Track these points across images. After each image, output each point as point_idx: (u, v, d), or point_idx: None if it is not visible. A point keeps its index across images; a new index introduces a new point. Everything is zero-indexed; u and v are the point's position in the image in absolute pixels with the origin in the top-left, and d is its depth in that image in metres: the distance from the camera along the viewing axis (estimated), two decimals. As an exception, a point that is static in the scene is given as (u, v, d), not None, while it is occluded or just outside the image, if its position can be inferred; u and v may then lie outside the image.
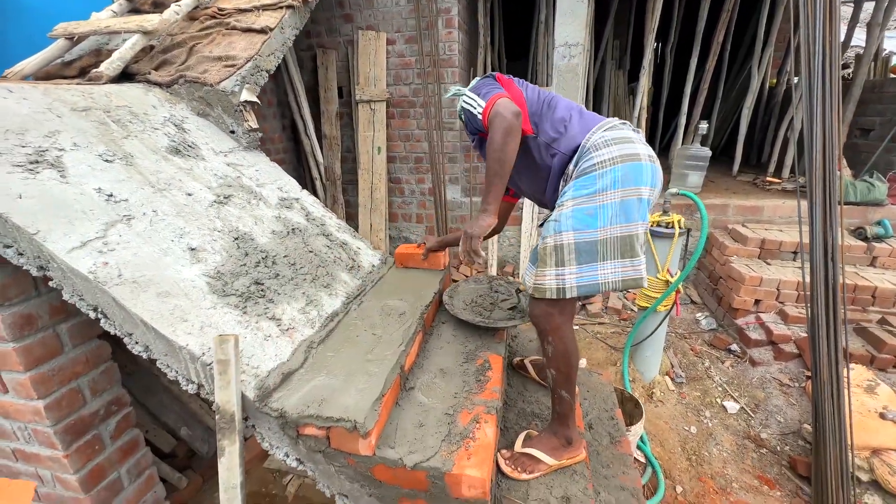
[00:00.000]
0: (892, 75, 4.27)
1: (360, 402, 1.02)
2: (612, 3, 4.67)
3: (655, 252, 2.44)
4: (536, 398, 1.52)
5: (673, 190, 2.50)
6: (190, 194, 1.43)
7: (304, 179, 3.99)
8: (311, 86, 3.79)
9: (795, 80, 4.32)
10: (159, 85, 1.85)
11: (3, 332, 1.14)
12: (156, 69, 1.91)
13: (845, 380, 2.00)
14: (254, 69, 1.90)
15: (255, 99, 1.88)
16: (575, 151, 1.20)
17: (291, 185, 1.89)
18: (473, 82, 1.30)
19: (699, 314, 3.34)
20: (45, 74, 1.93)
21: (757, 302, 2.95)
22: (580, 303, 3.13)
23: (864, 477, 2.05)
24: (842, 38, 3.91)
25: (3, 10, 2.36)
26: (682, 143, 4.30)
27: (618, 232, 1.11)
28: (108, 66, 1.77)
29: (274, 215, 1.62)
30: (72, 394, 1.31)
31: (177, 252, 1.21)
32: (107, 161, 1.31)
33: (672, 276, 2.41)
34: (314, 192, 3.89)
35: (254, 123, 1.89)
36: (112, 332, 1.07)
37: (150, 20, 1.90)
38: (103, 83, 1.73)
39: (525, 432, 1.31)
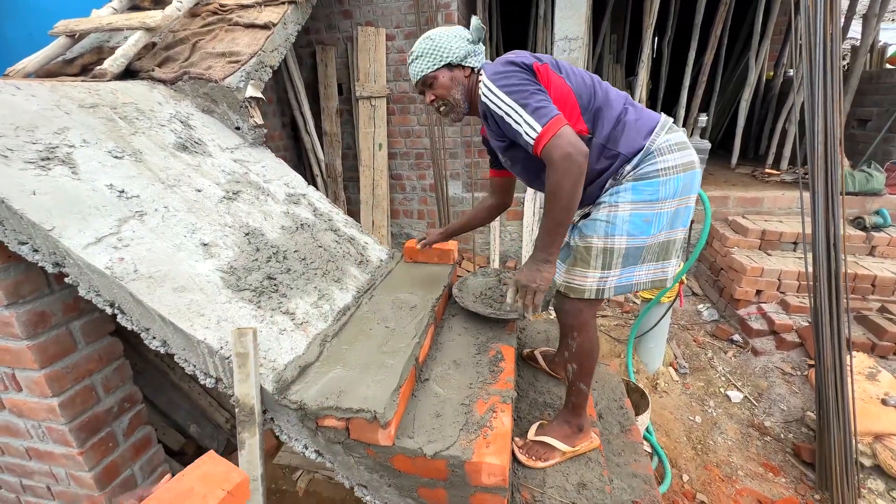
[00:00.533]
0: (889, 66, 4.30)
1: (378, 393, 1.03)
2: (609, -3, 4.68)
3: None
4: (547, 388, 1.54)
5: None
6: (199, 190, 1.43)
7: (306, 177, 3.97)
8: (310, 83, 3.78)
9: (791, 72, 4.35)
10: (163, 82, 1.84)
11: (18, 330, 1.14)
12: (159, 66, 1.90)
13: (848, 367, 2.02)
14: (258, 65, 1.90)
15: (259, 95, 1.88)
16: (636, 153, 1.09)
17: (298, 181, 1.89)
18: (497, 66, 1.08)
19: (701, 305, 3.37)
20: (47, 72, 1.92)
21: (758, 292, 2.98)
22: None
23: (867, 462, 2.08)
24: (840, 28, 3.94)
25: (4, 7, 2.34)
26: (681, 137, 4.31)
27: (663, 237, 1.13)
28: (112, 63, 1.76)
29: (282, 211, 1.62)
30: (85, 391, 1.31)
31: (190, 247, 1.21)
32: (116, 157, 1.31)
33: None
34: (316, 190, 3.88)
35: (259, 119, 1.89)
36: (129, 327, 1.07)
37: (153, 16, 1.89)
38: (107, 80, 1.72)
39: (538, 422, 1.32)
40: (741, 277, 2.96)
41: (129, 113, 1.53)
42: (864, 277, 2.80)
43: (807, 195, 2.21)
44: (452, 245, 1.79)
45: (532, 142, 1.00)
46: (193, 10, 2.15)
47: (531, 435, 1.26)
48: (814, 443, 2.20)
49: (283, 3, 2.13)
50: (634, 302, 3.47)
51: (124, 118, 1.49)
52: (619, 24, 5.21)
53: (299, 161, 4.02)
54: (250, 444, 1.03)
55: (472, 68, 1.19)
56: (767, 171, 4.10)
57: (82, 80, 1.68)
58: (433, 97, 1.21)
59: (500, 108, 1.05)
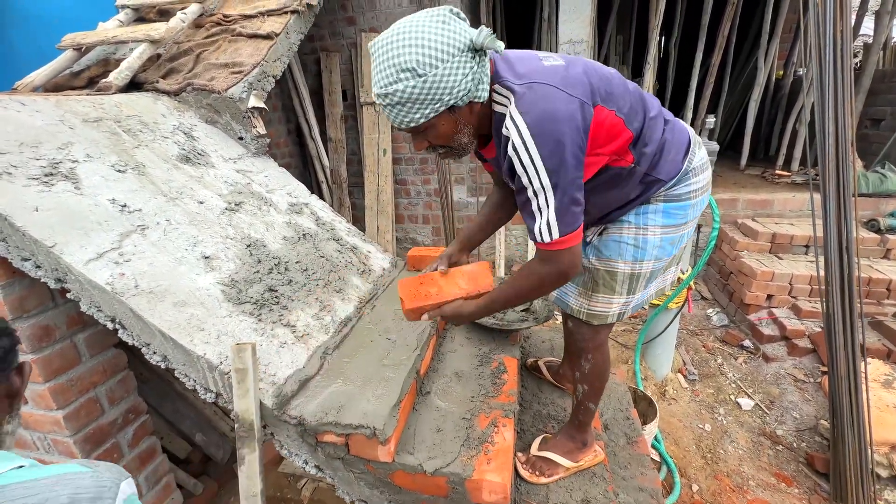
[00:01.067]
0: (902, 64, 4.21)
1: (378, 409, 1.02)
2: (614, -2, 4.64)
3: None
4: (552, 399, 1.52)
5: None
6: (202, 202, 1.44)
7: (311, 183, 4.00)
8: (315, 89, 3.80)
9: (801, 71, 4.27)
10: (167, 93, 1.86)
11: (23, 345, 1.15)
12: (163, 77, 1.92)
13: (863, 374, 1.97)
14: (261, 75, 1.90)
15: (262, 105, 1.89)
16: (675, 176, 1.00)
17: (300, 190, 1.89)
18: (544, 118, 0.81)
19: (710, 310, 3.32)
20: (55, 86, 1.95)
21: (769, 297, 2.92)
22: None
23: (884, 473, 2.02)
24: (851, 25, 3.86)
25: (12, 22, 2.38)
26: (689, 138, 4.26)
27: (677, 252, 1.09)
28: (117, 76, 1.78)
29: (284, 221, 1.62)
30: (90, 403, 1.32)
31: (191, 261, 1.22)
32: (119, 171, 1.32)
33: (683, 273, 2.39)
34: (321, 196, 3.90)
35: (262, 129, 1.90)
36: (130, 342, 1.08)
37: (157, 29, 1.91)
38: (112, 93, 1.74)
39: (542, 436, 1.30)
40: (751, 282, 2.90)
41: (132, 126, 1.54)
42: (878, 281, 2.73)
43: (818, 197, 2.16)
44: (455, 253, 1.78)
45: (541, 239, 0.88)
46: (198, 22, 2.17)
47: (534, 449, 1.24)
48: (828, 452, 2.14)
49: (286, 12, 2.14)
50: (643, 307, 3.43)
51: (128, 131, 1.50)
52: (624, 24, 5.16)
53: (304, 167, 4.04)
54: (250, 460, 1.02)
55: (483, 101, 0.87)
56: (778, 172, 4.03)
57: (87, 94, 1.70)
58: (427, 145, 0.92)
59: (527, 173, 0.83)
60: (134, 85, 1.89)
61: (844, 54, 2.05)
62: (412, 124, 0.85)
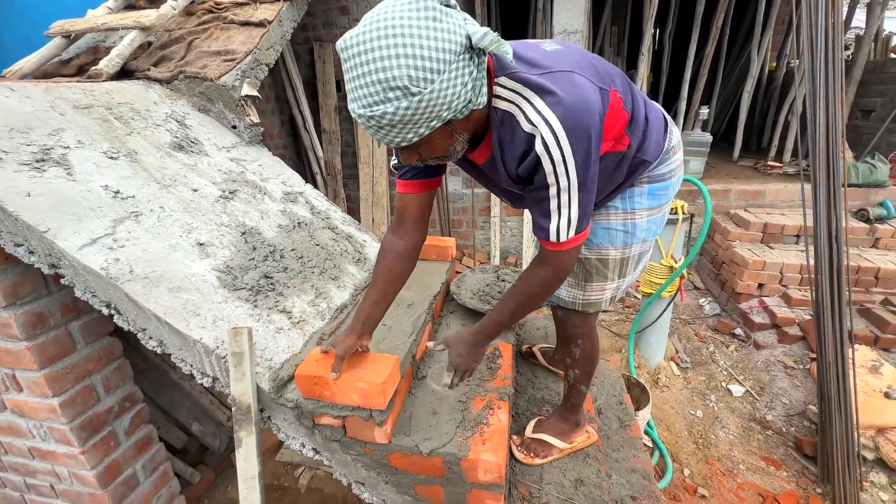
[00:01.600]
0: (893, 56, 4.24)
1: (374, 391, 1.03)
2: (609, -12, 4.63)
3: (659, 238, 2.45)
4: (546, 384, 1.54)
5: (676, 176, 2.50)
6: (195, 190, 1.43)
7: (305, 174, 3.98)
8: (309, 80, 3.77)
9: (795, 62, 4.29)
10: (159, 81, 1.84)
11: (17, 331, 1.15)
12: (155, 65, 1.90)
13: (850, 360, 2.01)
14: (253, 63, 1.89)
15: (255, 93, 1.87)
16: (657, 157, 0.98)
17: (295, 179, 1.88)
18: (578, 115, 0.74)
19: (702, 300, 3.36)
20: (43, 73, 1.92)
21: (760, 286, 2.96)
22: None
23: (870, 455, 2.08)
24: (843, 18, 3.88)
25: (0, 9, 2.34)
26: (683, 129, 4.29)
27: (660, 231, 1.10)
28: (107, 64, 1.75)
29: (279, 209, 1.62)
30: (86, 391, 1.32)
31: (186, 247, 1.21)
32: (111, 158, 1.31)
33: (676, 263, 2.41)
34: (315, 188, 3.88)
35: (255, 118, 1.88)
36: (126, 327, 1.08)
37: (148, 16, 1.88)
38: (103, 80, 1.72)
39: (536, 419, 1.32)
40: (743, 271, 2.94)
41: (124, 113, 1.53)
42: (867, 270, 2.78)
43: (808, 187, 2.19)
44: (450, 242, 1.79)
45: (556, 238, 0.83)
46: (188, 9, 2.14)
47: (528, 432, 1.26)
48: (815, 436, 2.19)
49: (279, 0, 2.12)
50: (636, 297, 3.46)
51: (119, 118, 1.49)
52: (619, 15, 5.15)
53: (299, 159, 4.02)
54: (247, 443, 1.03)
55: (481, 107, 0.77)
56: (770, 163, 4.07)
57: (77, 81, 1.68)
58: (417, 158, 0.81)
59: (555, 171, 0.76)
60: (125, 73, 1.87)
61: (835, 46, 2.07)
62: (403, 143, 0.73)
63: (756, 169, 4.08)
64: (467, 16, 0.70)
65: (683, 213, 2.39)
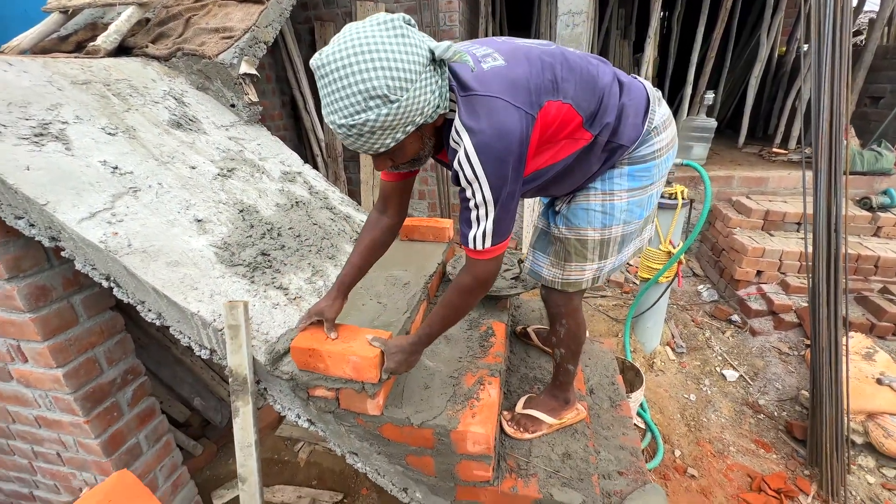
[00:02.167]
0: (906, 41, 4.14)
1: (367, 365, 1.05)
2: (617, -31, 4.52)
3: (658, 223, 2.45)
4: (539, 364, 1.56)
5: (677, 161, 2.48)
6: (193, 167, 1.44)
7: (306, 156, 3.96)
8: (309, 60, 3.73)
9: (805, 47, 4.21)
10: (157, 58, 1.83)
11: (20, 303, 1.17)
12: (153, 42, 1.89)
13: (844, 347, 2.03)
14: (252, 41, 1.87)
15: (254, 71, 1.86)
16: (636, 139, 0.98)
17: (294, 160, 1.89)
18: (492, 140, 0.80)
19: (701, 286, 3.37)
20: (42, 49, 1.91)
21: (759, 273, 2.96)
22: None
23: (859, 440, 2.11)
24: (854, 3, 3.79)
25: (-4, -17, 2.32)
26: (688, 114, 4.23)
27: (649, 213, 1.10)
28: (105, 40, 1.75)
29: (277, 188, 1.63)
30: (89, 363, 1.36)
31: (184, 223, 1.23)
32: (110, 134, 1.32)
33: (674, 248, 2.42)
34: (315, 169, 3.88)
35: (254, 97, 1.88)
36: (125, 300, 1.10)
37: (145, -9, 1.86)
38: (101, 57, 1.72)
39: (527, 396, 1.35)
40: (742, 258, 2.94)
41: (122, 90, 1.53)
42: (867, 258, 2.77)
43: (810, 174, 2.17)
44: (448, 223, 1.80)
45: (473, 247, 0.89)
46: (187, -15, 2.12)
47: (519, 408, 1.29)
48: (807, 420, 2.22)
49: (277, -24, 2.09)
50: (634, 283, 3.47)
51: (118, 95, 1.49)
52: (627, -3, 5.04)
53: (300, 141, 4.00)
54: (244, 412, 1.06)
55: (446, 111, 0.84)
56: (774, 150, 4.02)
57: (76, 57, 1.67)
58: (390, 163, 0.87)
59: (471, 186, 0.83)
60: (123, 50, 1.86)
61: (843, 29, 2.03)
62: (381, 150, 0.80)
63: (760, 156, 4.04)
64: (424, 34, 0.78)
65: (683, 199, 2.39)
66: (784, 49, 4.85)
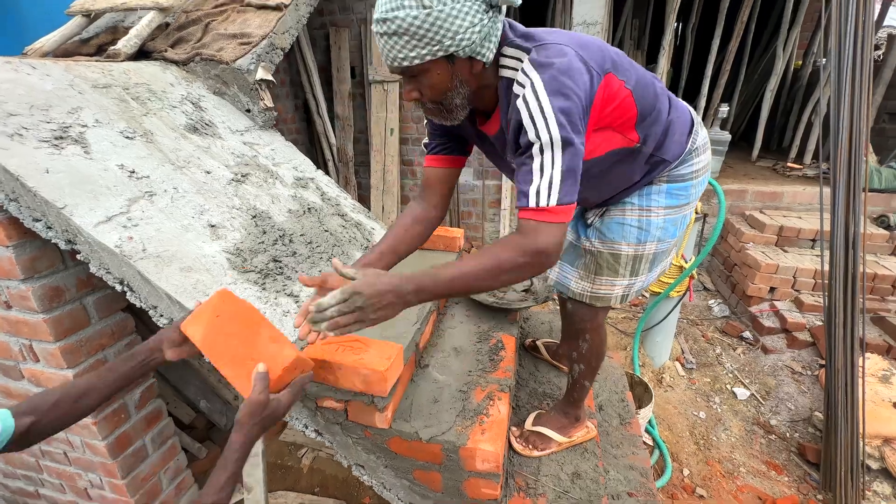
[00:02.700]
0: (926, 57, 4.08)
1: (377, 377, 1.04)
2: (632, -21, 4.52)
3: (670, 237, 2.42)
4: (548, 378, 1.54)
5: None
6: (208, 172, 1.45)
7: (317, 161, 3.99)
8: (323, 65, 3.76)
9: (822, 61, 4.16)
10: (175, 63, 1.85)
11: (34, 304, 1.18)
12: (172, 47, 1.91)
13: (860, 368, 1.98)
14: (269, 47, 1.89)
15: (270, 77, 1.88)
16: (679, 157, 0.99)
17: (307, 165, 1.89)
18: (558, 76, 0.76)
19: (712, 301, 3.32)
20: (64, 52, 1.94)
21: (772, 290, 2.91)
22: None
23: (875, 465, 2.05)
24: (875, 17, 3.74)
25: (22, -14, 2.37)
26: (701, 127, 4.19)
27: (679, 232, 1.09)
28: (126, 44, 1.77)
29: (290, 194, 1.63)
30: (98, 364, 1.36)
31: (198, 228, 1.24)
32: (128, 138, 1.33)
33: (686, 262, 2.39)
34: (327, 174, 3.90)
35: (269, 102, 1.89)
36: (138, 304, 1.10)
37: (166, -4, 1.89)
38: (121, 60, 1.74)
39: (536, 412, 1.33)
40: (755, 274, 2.90)
41: (141, 93, 1.54)
42: (884, 278, 2.72)
43: (827, 191, 2.14)
44: (458, 232, 1.79)
45: (535, 203, 0.77)
46: (207, -9, 2.15)
47: (528, 424, 1.27)
48: (820, 443, 2.17)
49: (296, -17, 2.11)
50: (644, 295, 3.44)
51: (136, 99, 1.51)
52: (641, 8, 5.03)
53: (311, 145, 4.03)
54: (252, 422, 1.05)
55: (486, 63, 0.81)
56: (790, 164, 3.97)
57: (96, 60, 1.70)
58: (417, 95, 0.84)
59: (535, 125, 0.76)
60: (142, 53, 1.89)
61: (864, 45, 2.00)
62: (405, 63, 0.77)
63: (775, 170, 3.99)
64: None
65: (696, 213, 2.36)
66: (800, 63, 4.80)
